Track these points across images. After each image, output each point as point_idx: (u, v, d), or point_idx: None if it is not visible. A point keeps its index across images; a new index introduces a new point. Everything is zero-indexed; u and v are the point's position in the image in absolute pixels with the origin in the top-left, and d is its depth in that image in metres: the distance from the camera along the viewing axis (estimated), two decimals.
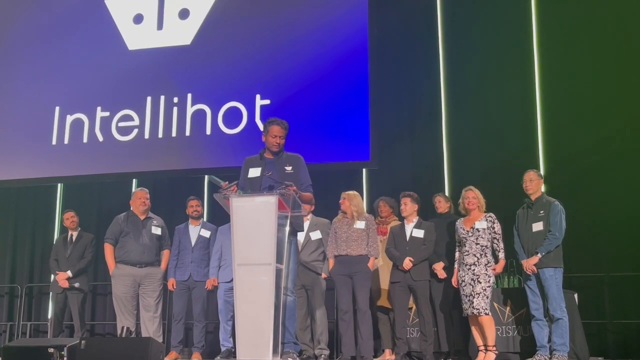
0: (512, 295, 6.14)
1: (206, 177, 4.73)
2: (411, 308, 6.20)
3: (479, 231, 5.63)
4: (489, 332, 5.51)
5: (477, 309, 5.48)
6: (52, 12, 9.10)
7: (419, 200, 6.14)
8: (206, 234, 6.66)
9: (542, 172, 6.77)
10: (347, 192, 6.01)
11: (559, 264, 5.53)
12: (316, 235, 6.22)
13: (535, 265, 5.52)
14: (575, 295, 6.05)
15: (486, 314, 5.50)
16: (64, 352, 4.71)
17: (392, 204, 6.54)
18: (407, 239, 5.94)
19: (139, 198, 6.38)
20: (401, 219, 6.26)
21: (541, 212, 5.63)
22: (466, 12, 8.06)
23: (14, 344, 5.52)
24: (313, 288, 6.12)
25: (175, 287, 6.54)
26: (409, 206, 6.03)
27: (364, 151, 7.69)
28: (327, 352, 6.08)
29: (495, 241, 5.63)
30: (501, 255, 5.61)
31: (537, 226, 5.59)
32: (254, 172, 4.90)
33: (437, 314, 6.05)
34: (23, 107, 8.85)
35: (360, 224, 5.81)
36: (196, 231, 6.67)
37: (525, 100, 7.59)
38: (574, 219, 5.83)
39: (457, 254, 5.81)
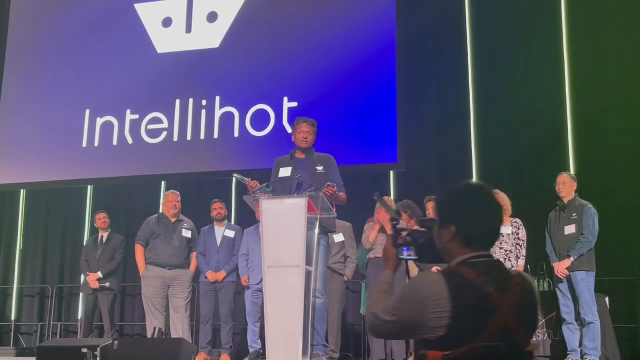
0: (543, 298, 6.05)
1: (233, 175, 4.77)
2: None
3: (502, 236, 5.55)
4: None
5: None
6: (83, 16, 9.20)
7: None
8: (230, 234, 6.64)
9: (572, 172, 6.68)
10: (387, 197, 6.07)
11: (591, 267, 5.46)
12: (339, 237, 6.20)
13: (567, 268, 5.45)
14: (607, 299, 5.97)
15: None
16: (97, 352, 4.77)
17: (405, 208, 6.26)
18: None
19: (170, 201, 6.45)
20: None
21: (574, 214, 5.56)
22: (494, 11, 7.97)
23: (48, 343, 5.61)
24: (332, 290, 6.06)
25: (219, 279, 6.49)
26: None
27: (391, 153, 7.66)
28: (336, 355, 6.03)
29: (518, 247, 5.56)
30: (520, 262, 5.52)
31: (570, 229, 5.53)
32: (284, 172, 4.91)
33: None
34: (54, 109, 8.96)
35: None
36: (221, 232, 6.65)
37: (554, 101, 7.48)
38: (604, 221, 5.75)
39: None
